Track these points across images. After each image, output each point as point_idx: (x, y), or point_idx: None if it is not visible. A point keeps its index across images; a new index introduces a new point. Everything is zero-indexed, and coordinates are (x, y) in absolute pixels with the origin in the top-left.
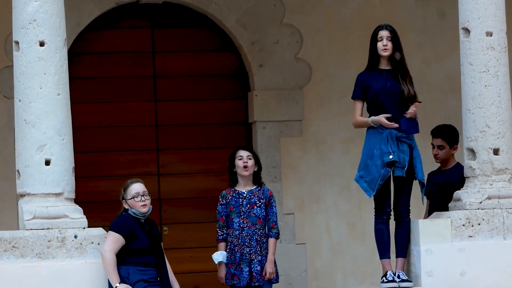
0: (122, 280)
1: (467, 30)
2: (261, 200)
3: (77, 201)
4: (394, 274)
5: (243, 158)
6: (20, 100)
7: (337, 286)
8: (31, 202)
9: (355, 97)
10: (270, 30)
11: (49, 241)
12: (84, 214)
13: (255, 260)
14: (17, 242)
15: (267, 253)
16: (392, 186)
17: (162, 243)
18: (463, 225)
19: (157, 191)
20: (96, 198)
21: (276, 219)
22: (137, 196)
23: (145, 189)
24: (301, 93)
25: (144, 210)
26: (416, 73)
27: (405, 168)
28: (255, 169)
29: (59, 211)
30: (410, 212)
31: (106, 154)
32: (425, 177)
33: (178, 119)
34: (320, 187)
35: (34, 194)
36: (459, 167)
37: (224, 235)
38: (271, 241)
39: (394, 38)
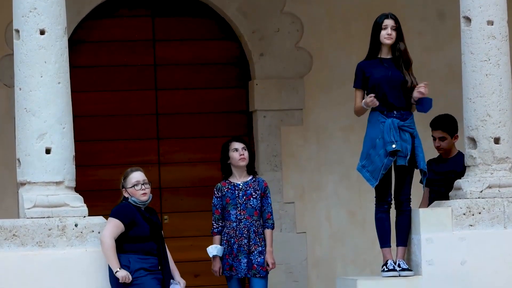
0: (123, 269)
1: (468, 19)
2: (256, 192)
3: (77, 189)
4: (395, 263)
5: (238, 150)
6: (20, 89)
7: (338, 275)
8: (32, 191)
9: (355, 86)
10: (270, 19)
11: (49, 230)
12: (84, 203)
13: (255, 252)
14: (18, 231)
15: (265, 244)
16: (394, 175)
17: (162, 232)
18: (464, 214)
19: (157, 180)
20: (96, 187)
21: (271, 210)
22: (137, 184)
23: (145, 178)
24: (301, 82)
25: (144, 198)
26: (416, 61)
27: (407, 157)
28: None
29: (60, 200)
30: (411, 201)
31: (106, 142)
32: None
33: (179, 108)
34: (320, 175)
35: (34, 182)
36: (462, 156)
37: (220, 227)
38: (268, 232)
39: (398, 28)
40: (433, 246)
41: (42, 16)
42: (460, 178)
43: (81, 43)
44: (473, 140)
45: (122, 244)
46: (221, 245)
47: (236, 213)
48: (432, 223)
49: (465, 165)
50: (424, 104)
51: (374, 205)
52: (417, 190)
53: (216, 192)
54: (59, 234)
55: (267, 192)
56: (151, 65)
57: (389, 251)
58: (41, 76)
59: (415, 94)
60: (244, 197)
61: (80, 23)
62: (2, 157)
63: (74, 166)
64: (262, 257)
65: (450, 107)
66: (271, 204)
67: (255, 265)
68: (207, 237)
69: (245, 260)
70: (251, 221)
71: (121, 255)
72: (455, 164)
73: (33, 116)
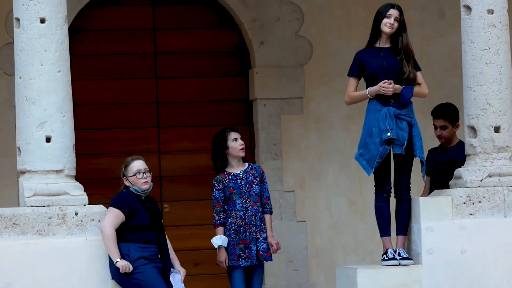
0: (123, 257)
1: (468, 8)
2: (256, 178)
3: (77, 178)
4: (395, 252)
5: (238, 140)
6: (20, 77)
7: (338, 263)
8: (32, 179)
9: (351, 74)
10: (271, 7)
11: (49, 218)
12: (84, 191)
13: (261, 239)
14: (18, 219)
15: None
16: (393, 163)
17: (162, 220)
18: (464, 203)
19: (157, 169)
20: (96, 175)
21: (269, 195)
22: (138, 173)
23: (146, 166)
24: (301, 71)
25: (146, 187)
26: (417, 50)
27: (404, 146)
28: None
29: (60, 188)
30: (410, 190)
31: (106, 131)
32: (425, 155)
33: (179, 96)
34: (320, 164)
35: (34, 171)
36: (463, 145)
37: (222, 219)
38: (268, 217)
39: (402, 20)
40: (433, 235)
41: (42, 5)
42: (461, 167)
43: (82, 31)
44: (473, 129)
45: (122, 233)
46: (225, 236)
47: (242, 202)
48: (432, 212)
49: (466, 154)
50: (403, 94)
51: (374, 194)
52: (417, 179)
53: (216, 185)
54: (59, 223)
55: (264, 177)
56: (151, 54)
57: (389, 240)
58: (42, 65)
59: (381, 92)
60: (247, 185)
61: (81, 12)
62: (2, 146)
63: (74, 154)
64: (266, 243)
65: (451, 96)
66: (268, 189)
67: (261, 252)
68: (207, 226)
69: (255, 247)
70: (257, 208)
71: (121, 244)
72: (456, 153)
73: (33, 104)
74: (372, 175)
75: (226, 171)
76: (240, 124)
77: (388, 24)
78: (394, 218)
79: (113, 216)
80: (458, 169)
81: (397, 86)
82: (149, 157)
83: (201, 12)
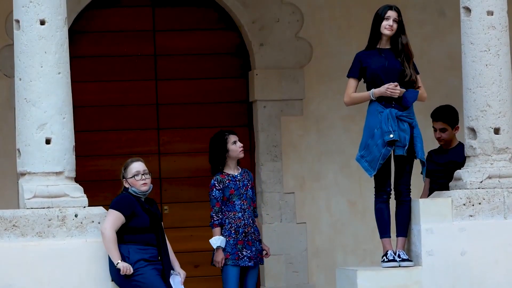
0: (123, 259)
1: (468, 9)
2: (249, 182)
3: (77, 180)
4: (395, 254)
5: (237, 143)
6: (20, 79)
7: (338, 265)
8: (32, 181)
9: (351, 75)
10: (270, 9)
11: (49, 220)
12: (84, 193)
13: (258, 241)
14: (18, 221)
15: None
16: (393, 165)
17: (162, 222)
18: (464, 205)
19: (157, 170)
20: (96, 177)
21: (256, 199)
22: (137, 174)
23: (146, 168)
24: (301, 72)
25: (145, 188)
26: (417, 51)
27: (406, 147)
28: None
29: (60, 190)
30: (410, 192)
31: (106, 133)
32: (425, 156)
33: (179, 98)
34: (320, 165)
35: (34, 173)
36: (462, 147)
37: (219, 219)
38: (256, 220)
39: (400, 21)
40: (433, 237)
41: (42, 6)
42: (461, 169)
43: (82, 33)
44: (473, 131)
45: (122, 235)
46: (224, 236)
47: (241, 203)
48: (432, 214)
49: (465, 155)
50: (406, 97)
51: (374, 196)
52: (417, 181)
53: (217, 185)
54: (59, 225)
55: (254, 182)
56: (151, 55)
57: (389, 242)
58: (41, 66)
59: (387, 93)
60: (244, 188)
61: (80, 13)
62: (2, 148)
63: (74, 156)
64: (261, 245)
65: (451, 96)
66: (255, 193)
67: (259, 253)
68: (207, 228)
69: (254, 248)
70: (251, 210)
71: (121, 246)
72: (456, 155)
73: (33, 106)
74: (372, 176)
75: (225, 172)
76: (240, 125)
77: (387, 26)
78: (394, 220)
79: (113, 218)
80: (458, 170)
81: (401, 88)
82: (149, 158)
83: (201, 13)
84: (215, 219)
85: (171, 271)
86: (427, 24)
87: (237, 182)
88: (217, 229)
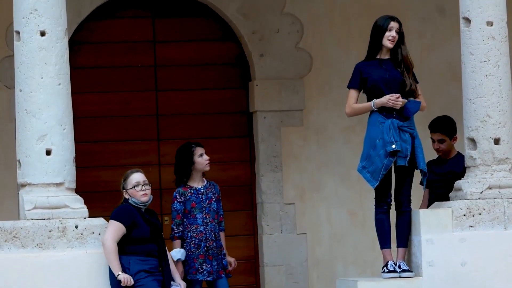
0: (123, 270)
1: (467, 20)
2: (214, 195)
3: (77, 191)
4: (395, 264)
5: (203, 155)
6: (21, 90)
7: (338, 275)
8: (32, 192)
9: (352, 86)
10: (270, 19)
11: (49, 231)
12: (84, 204)
13: (221, 254)
14: (18, 232)
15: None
16: (393, 175)
17: (162, 233)
18: (464, 215)
19: (157, 181)
20: (97, 188)
21: (223, 213)
22: (137, 185)
23: (146, 179)
24: (301, 82)
25: (145, 199)
26: (416, 61)
27: (407, 158)
28: None
29: (60, 201)
30: (411, 202)
31: (106, 143)
32: None
33: (179, 109)
34: (321, 176)
35: (35, 184)
36: (461, 157)
37: (180, 232)
38: (222, 234)
39: (401, 32)
40: (434, 247)
41: (42, 18)
42: (459, 179)
43: (82, 44)
44: (473, 141)
45: (123, 246)
46: (185, 249)
47: (203, 216)
48: (432, 224)
49: (465, 166)
50: (408, 108)
51: (374, 206)
52: (417, 191)
53: (178, 197)
54: (60, 236)
55: (220, 195)
56: (151, 66)
57: (389, 252)
58: (42, 78)
59: (389, 104)
60: (207, 201)
61: (81, 24)
62: (2, 159)
63: (75, 167)
64: (225, 259)
65: (451, 107)
66: (222, 207)
67: (223, 268)
68: None
69: (215, 263)
70: (215, 224)
71: (122, 257)
72: (455, 165)
73: (34, 117)
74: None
75: (188, 185)
76: (240, 136)
77: (390, 38)
78: (395, 230)
79: (114, 230)
80: (458, 181)
81: (403, 99)
82: (149, 169)
83: (201, 24)
84: (175, 231)
85: (172, 282)
86: (427, 34)
87: (200, 195)
88: (177, 242)
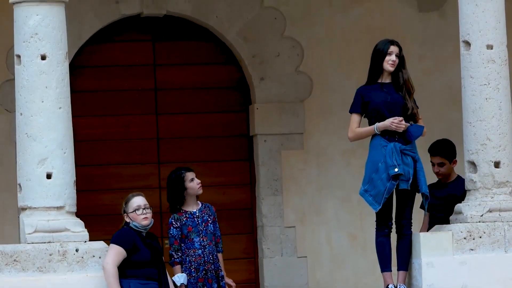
0: None
1: (467, 43)
2: (210, 217)
3: (78, 214)
4: (396, 287)
5: (194, 180)
6: (21, 114)
7: None
8: (33, 216)
9: (353, 111)
10: (271, 43)
11: (50, 255)
12: (85, 228)
13: (220, 276)
14: (18, 256)
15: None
16: (395, 199)
17: (163, 257)
18: (464, 238)
19: (158, 204)
20: (97, 212)
21: (220, 234)
22: (138, 209)
23: (146, 202)
24: (302, 106)
25: (146, 223)
26: (417, 84)
27: (410, 181)
28: None
29: (61, 225)
30: (412, 225)
31: (107, 167)
32: None
33: (179, 132)
34: (321, 199)
35: (35, 207)
36: (461, 180)
37: (179, 257)
38: (220, 255)
39: (401, 56)
40: (434, 270)
41: (43, 42)
42: (460, 202)
43: (82, 67)
44: (473, 164)
45: (124, 270)
46: (184, 273)
47: (200, 240)
48: (432, 247)
49: (466, 189)
50: (410, 131)
51: (375, 229)
52: (417, 215)
53: (174, 222)
54: (60, 259)
55: (216, 216)
56: (151, 90)
57: (390, 275)
58: (42, 101)
59: (392, 127)
60: (203, 224)
61: (81, 48)
62: (3, 182)
63: (75, 191)
64: (224, 280)
65: (451, 130)
66: (219, 228)
67: None
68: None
69: (216, 285)
70: (212, 246)
71: (122, 280)
72: (455, 188)
73: (34, 141)
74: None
75: (183, 210)
76: (240, 159)
77: (390, 62)
78: (395, 253)
79: (114, 253)
80: (458, 204)
81: (406, 123)
82: (150, 193)
83: (201, 47)
84: (175, 257)
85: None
86: (427, 58)
87: (195, 218)
88: (178, 267)
